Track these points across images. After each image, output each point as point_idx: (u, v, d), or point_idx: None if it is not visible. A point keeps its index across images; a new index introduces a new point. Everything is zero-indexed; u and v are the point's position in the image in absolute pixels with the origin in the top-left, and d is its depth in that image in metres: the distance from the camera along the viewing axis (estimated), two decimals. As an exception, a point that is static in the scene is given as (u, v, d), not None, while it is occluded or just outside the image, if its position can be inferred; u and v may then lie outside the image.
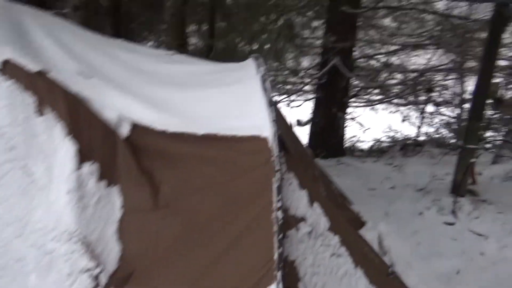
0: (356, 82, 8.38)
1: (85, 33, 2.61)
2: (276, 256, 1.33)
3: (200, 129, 1.78)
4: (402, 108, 9.52)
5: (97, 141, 1.88)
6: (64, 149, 1.78)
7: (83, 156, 1.78)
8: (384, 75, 8.77)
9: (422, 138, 9.11)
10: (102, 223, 1.71)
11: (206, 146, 1.74)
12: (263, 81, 1.89)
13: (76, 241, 1.63)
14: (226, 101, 1.95)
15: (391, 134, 9.37)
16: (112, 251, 1.67)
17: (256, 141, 1.62)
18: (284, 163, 1.57)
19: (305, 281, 1.40)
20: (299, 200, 1.55)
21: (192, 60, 2.64)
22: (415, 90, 8.46)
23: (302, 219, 1.52)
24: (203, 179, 1.72)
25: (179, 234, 1.65)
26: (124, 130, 1.92)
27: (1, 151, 1.76)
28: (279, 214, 1.38)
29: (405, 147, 8.49)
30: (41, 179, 1.76)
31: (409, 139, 9.18)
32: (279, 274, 1.29)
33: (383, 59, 8.50)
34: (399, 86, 8.63)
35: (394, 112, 10.00)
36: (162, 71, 2.39)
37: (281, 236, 1.35)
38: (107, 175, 1.81)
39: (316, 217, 1.56)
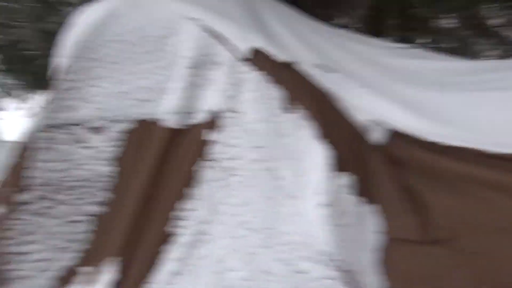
0: None
1: (310, 21, 2.39)
2: None
3: (493, 146, 1.36)
4: None
5: (348, 148, 1.60)
6: (315, 154, 1.54)
7: (337, 164, 1.52)
8: None
9: None
10: (362, 249, 1.42)
11: (506, 171, 1.31)
12: None
13: (333, 266, 1.37)
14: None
15: None
16: (373, 286, 1.37)
17: None
18: None
19: None
20: None
21: (439, 56, 2.20)
22: None
23: None
24: (503, 215, 1.29)
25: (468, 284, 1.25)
26: (379, 138, 1.62)
27: (249, 148, 1.60)
28: None
29: None
30: (290, 185, 1.54)
31: None
32: None
33: None
34: None
35: None
36: (408, 67, 2.01)
37: None
38: (365, 191, 1.52)
39: None
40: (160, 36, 1.64)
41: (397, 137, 1.58)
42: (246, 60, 1.64)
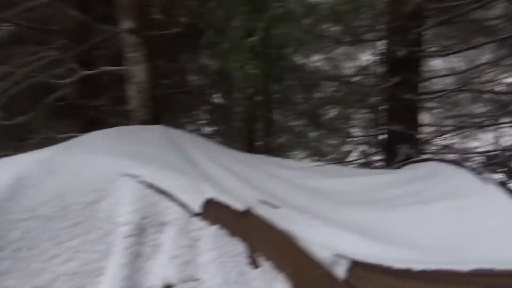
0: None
1: (228, 150, 2.31)
2: None
3: (452, 264, 1.37)
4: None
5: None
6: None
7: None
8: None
9: None
10: None
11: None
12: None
13: None
14: (456, 221, 1.56)
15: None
16: None
17: None
18: None
19: None
20: None
21: (354, 171, 2.30)
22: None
23: None
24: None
25: None
26: (342, 271, 1.53)
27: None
28: None
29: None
30: None
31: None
32: None
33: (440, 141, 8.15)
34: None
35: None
36: (337, 188, 2.04)
37: None
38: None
39: None
40: (88, 202, 1.33)
41: (358, 267, 1.51)
42: (199, 214, 1.43)
